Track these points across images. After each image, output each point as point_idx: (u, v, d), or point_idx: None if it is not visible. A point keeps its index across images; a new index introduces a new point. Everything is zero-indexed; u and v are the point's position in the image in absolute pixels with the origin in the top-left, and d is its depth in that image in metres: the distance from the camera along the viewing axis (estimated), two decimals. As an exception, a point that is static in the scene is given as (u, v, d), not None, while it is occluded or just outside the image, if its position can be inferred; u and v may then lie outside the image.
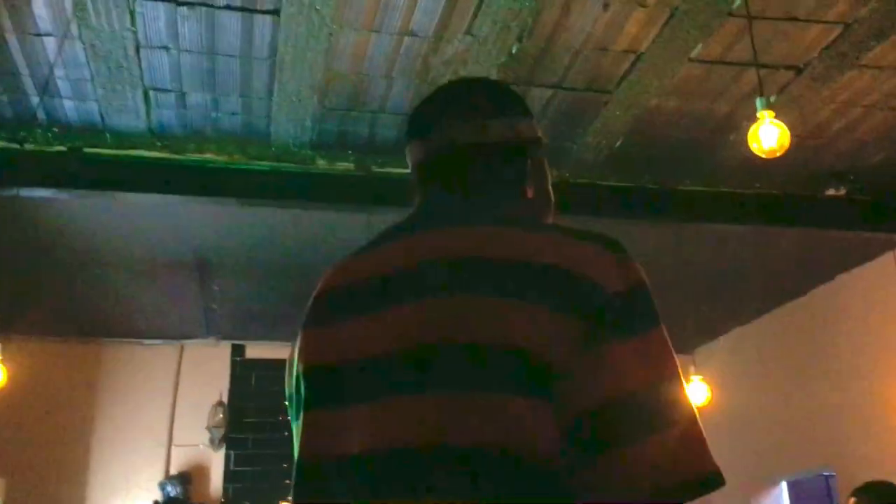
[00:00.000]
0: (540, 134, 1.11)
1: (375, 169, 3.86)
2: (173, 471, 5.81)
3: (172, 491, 5.55)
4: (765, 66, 3.10)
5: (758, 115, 2.62)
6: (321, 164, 3.82)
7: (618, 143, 3.75)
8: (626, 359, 0.82)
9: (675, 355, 0.87)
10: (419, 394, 0.85)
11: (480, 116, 1.07)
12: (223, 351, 6.22)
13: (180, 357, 6.13)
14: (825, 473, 6.34)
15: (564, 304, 0.84)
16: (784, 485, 6.23)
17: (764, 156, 2.62)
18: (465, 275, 0.89)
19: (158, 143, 3.64)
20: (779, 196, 4.18)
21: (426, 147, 1.11)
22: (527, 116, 1.11)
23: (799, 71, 3.22)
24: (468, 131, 1.06)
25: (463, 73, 3.20)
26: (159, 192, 3.76)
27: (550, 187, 1.14)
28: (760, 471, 6.03)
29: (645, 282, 0.91)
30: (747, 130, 3.27)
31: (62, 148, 3.58)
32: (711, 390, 4.44)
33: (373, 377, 0.90)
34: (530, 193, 1.09)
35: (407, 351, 0.88)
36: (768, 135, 2.57)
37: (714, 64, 3.19)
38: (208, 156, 3.73)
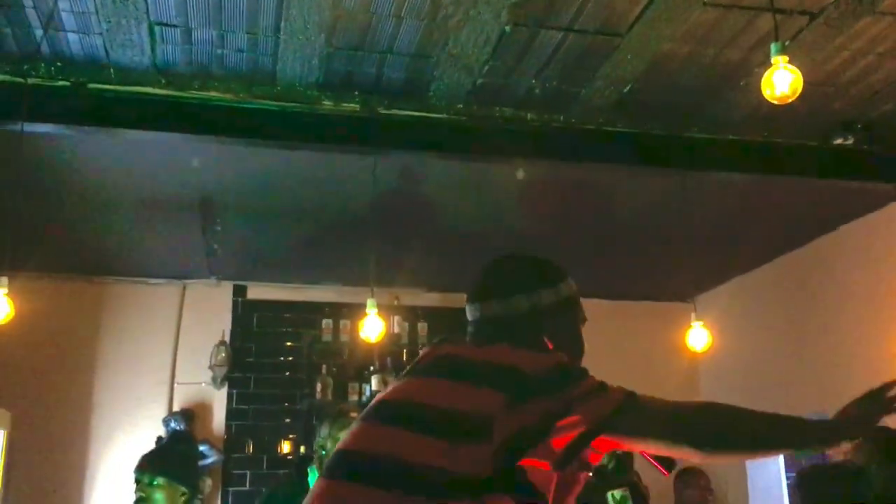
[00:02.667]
0: (563, 297, 1.64)
1: (382, 111, 3.83)
2: (176, 407, 5.88)
3: (176, 427, 5.63)
4: (780, 11, 3.05)
5: (772, 60, 2.60)
6: (327, 104, 3.79)
7: (626, 89, 3.72)
8: None
9: None
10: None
11: (503, 295, 1.60)
12: (225, 291, 6.25)
13: (182, 297, 6.16)
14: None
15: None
16: (777, 430, 6.34)
17: (776, 102, 2.60)
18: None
19: (163, 80, 3.60)
20: (786, 145, 4.17)
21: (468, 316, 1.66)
22: (549, 285, 1.63)
23: (813, 17, 3.18)
24: (493, 307, 1.61)
25: (473, 13, 3.16)
26: (163, 129, 3.75)
27: (576, 335, 1.65)
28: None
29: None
30: (758, 78, 3.25)
31: (66, 83, 3.54)
32: (712, 337, 4.49)
33: None
34: (549, 345, 1.54)
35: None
36: (782, 80, 2.54)
37: (728, 8, 3.15)
38: (213, 94, 3.70)
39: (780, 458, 6.33)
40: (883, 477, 2.67)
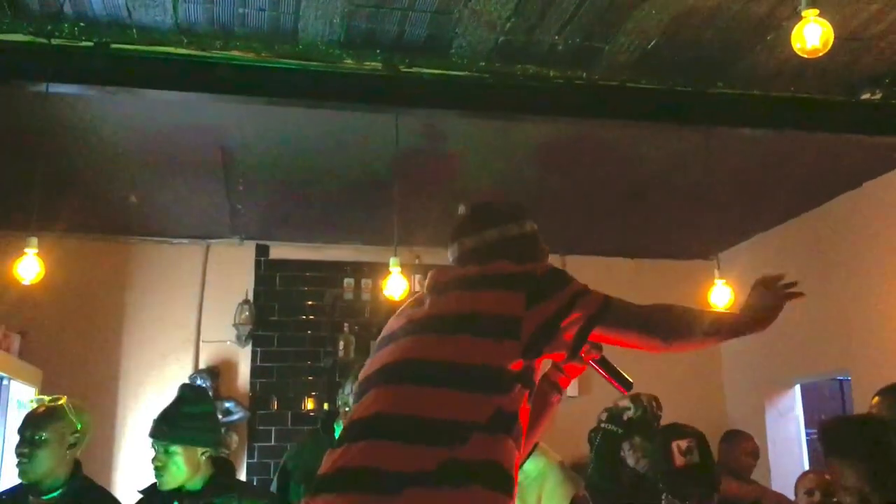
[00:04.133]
0: (527, 231, 1.88)
1: (403, 69, 3.81)
2: (202, 365, 5.99)
3: (202, 384, 5.73)
4: (809, -38, 3.00)
5: (802, 13, 2.56)
6: (349, 63, 3.77)
7: (651, 45, 3.68)
8: None
9: None
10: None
11: (476, 231, 1.87)
12: (248, 251, 6.30)
13: (206, 256, 6.22)
14: (840, 377, 6.45)
15: None
16: (798, 387, 6.35)
17: (806, 55, 2.57)
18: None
19: (185, 40, 3.60)
20: (812, 100, 4.11)
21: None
22: (513, 220, 1.88)
23: (843, -32, 3.12)
24: (467, 242, 1.88)
25: (496, -32, 3.12)
26: (185, 89, 3.75)
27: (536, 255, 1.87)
28: (776, 373, 6.14)
29: None
30: (785, 32, 3.20)
31: (89, 43, 3.55)
32: (734, 293, 4.48)
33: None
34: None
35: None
36: (812, 34, 2.51)
37: (756, -40, 3.09)
38: (235, 53, 3.69)
39: (800, 415, 6.36)
40: None
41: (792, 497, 3.91)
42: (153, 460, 2.69)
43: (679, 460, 2.60)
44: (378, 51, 3.72)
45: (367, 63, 3.78)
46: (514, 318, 1.58)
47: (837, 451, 2.30)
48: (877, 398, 2.83)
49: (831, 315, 5.47)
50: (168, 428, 2.70)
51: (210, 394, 5.63)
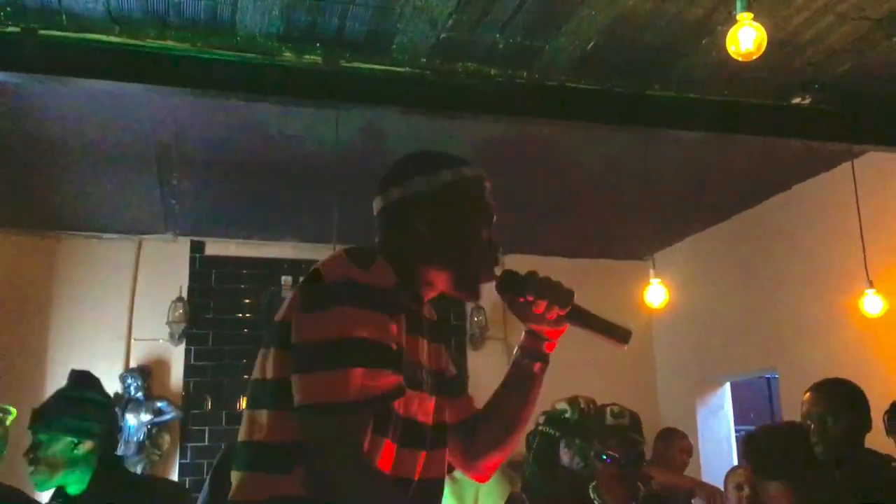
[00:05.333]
0: (443, 183, 1.48)
1: (344, 64, 3.77)
2: (133, 364, 5.84)
3: (133, 383, 5.59)
4: (743, -32, 3.07)
5: (737, 16, 2.61)
6: (288, 56, 3.71)
7: (590, 45, 3.71)
8: None
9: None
10: None
11: (381, 189, 1.53)
12: (182, 247, 6.18)
13: (138, 252, 6.08)
14: (768, 376, 6.64)
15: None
16: (728, 385, 6.51)
17: (740, 58, 2.62)
18: None
19: (117, 28, 3.49)
20: (745, 103, 4.21)
21: None
22: (424, 173, 1.49)
23: (776, -25, 3.20)
24: (375, 203, 1.55)
25: (438, -36, 3.12)
26: (117, 79, 3.64)
27: (464, 226, 1.49)
28: (707, 371, 6.28)
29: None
30: (720, 36, 3.27)
31: (16, 29, 3.42)
32: (669, 293, 4.57)
33: None
34: (425, 240, 1.47)
35: None
36: (746, 37, 2.56)
37: (693, -35, 3.14)
38: (170, 43, 3.60)
39: (730, 412, 6.52)
40: (840, 428, 2.75)
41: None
42: (24, 455, 2.39)
43: (609, 420, 2.75)
44: (318, 45, 3.67)
45: (307, 57, 3.73)
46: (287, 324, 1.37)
47: (762, 469, 2.39)
48: (808, 394, 2.91)
49: (761, 315, 5.62)
50: (39, 415, 2.40)
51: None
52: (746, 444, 2.57)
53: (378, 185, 1.54)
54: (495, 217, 1.53)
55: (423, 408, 1.43)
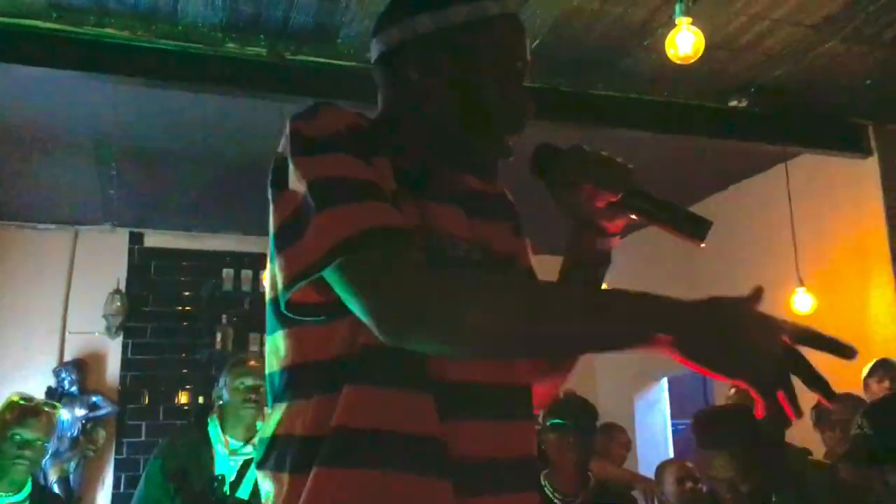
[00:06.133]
0: (458, 21, 1.10)
1: (289, 56, 3.74)
2: (68, 357, 5.70)
3: (67, 378, 5.46)
4: (685, -28, 3.14)
5: (676, 20, 2.67)
6: (231, 47, 3.67)
7: (535, 43, 3.75)
8: None
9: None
10: None
11: (378, 29, 1.20)
12: (120, 238, 6.05)
13: (74, 243, 5.93)
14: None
15: None
16: (664, 380, 6.65)
17: (678, 62, 2.68)
18: None
19: (55, 14, 3.40)
20: (685, 104, 4.31)
21: None
22: (430, 6, 1.12)
23: (716, -20, 3.28)
24: (371, 48, 1.22)
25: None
26: (55, 66, 3.55)
27: (478, 81, 1.11)
28: (645, 366, 6.40)
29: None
30: (662, 38, 3.33)
31: (-53, 13, 3.31)
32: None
33: None
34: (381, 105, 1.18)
35: None
36: (685, 41, 2.62)
37: (636, -33, 3.20)
38: (109, 30, 3.52)
39: (667, 407, 6.66)
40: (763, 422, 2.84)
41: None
42: None
43: (562, 394, 2.87)
44: (262, 36, 3.64)
45: (251, 48, 3.69)
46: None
47: (709, 442, 2.42)
48: (733, 389, 3.00)
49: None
50: None
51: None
52: (694, 422, 2.61)
53: (373, 25, 1.22)
54: (525, 74, 1.15)
55: None
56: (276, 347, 1.08)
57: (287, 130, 1.06)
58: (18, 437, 2.59)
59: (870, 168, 4.58)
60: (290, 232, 1.00)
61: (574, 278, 1.19)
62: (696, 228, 1.08)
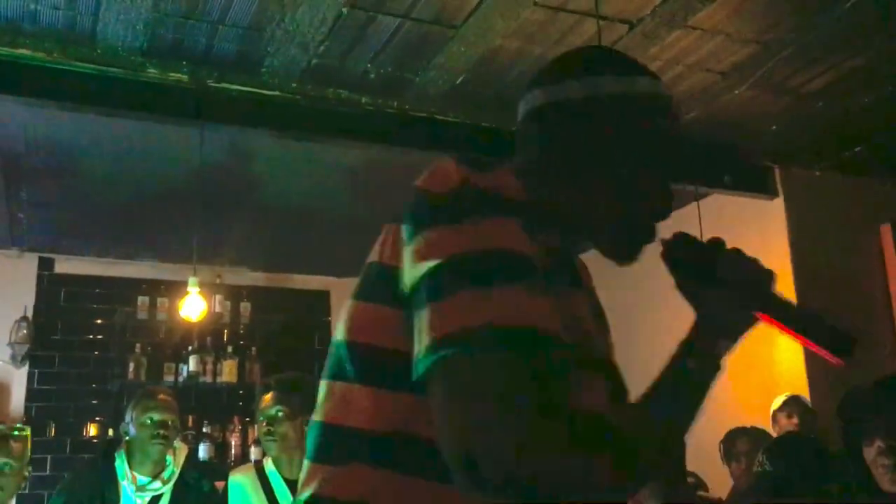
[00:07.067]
0: (621, 94, 1.04)
1: (211, 83, 3.70)
2: (-31, 387, 5.45)
3: (-33, 409, 5.21)
4: (603, 17, 3.25)
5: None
6: (152, 72, 3.61)
7: (459, 80, 3.81)
8: None
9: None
10: None
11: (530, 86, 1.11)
12: (29, 263, 5.83)
13: (-21, 267, 5.69)
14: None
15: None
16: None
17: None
18: None
19: (-34, 33, 3.30)
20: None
21: None
22: (551, 84, 1.07)
23: (632, 26, 3.40)
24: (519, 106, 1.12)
25: (310, -9, 3.13)
26: (-38, 86, 3.44)
27: (624, 171, 1.05)
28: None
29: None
30: (581, 78, 3.43)
31: None
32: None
33: None
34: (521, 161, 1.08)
35: None
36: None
37: (556, 10, 3.30)
38: (23, 51, 3.43)
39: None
40: None
41: None
42: None
43: None
44: (185, 62, 3.59)
45: (173, 74, 3.64)
46: (391, 269, 0.95)
47: None
48: None
49: (618, 348, 5.86)
50: None
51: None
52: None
53: (540, 75, 1.11)
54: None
55: (598, 392, 1.01)
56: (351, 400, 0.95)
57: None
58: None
59: (776, 209, 4.79)
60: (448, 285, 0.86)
61: (677, 375, 1.08)
62: (841, 345, 0.97)
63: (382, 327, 0.92)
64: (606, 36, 3.41)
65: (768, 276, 1.02)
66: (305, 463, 0.98)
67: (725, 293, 1.02)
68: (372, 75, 3.75)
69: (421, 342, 0.83)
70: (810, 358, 4.44)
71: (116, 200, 4.95)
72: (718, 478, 3.78)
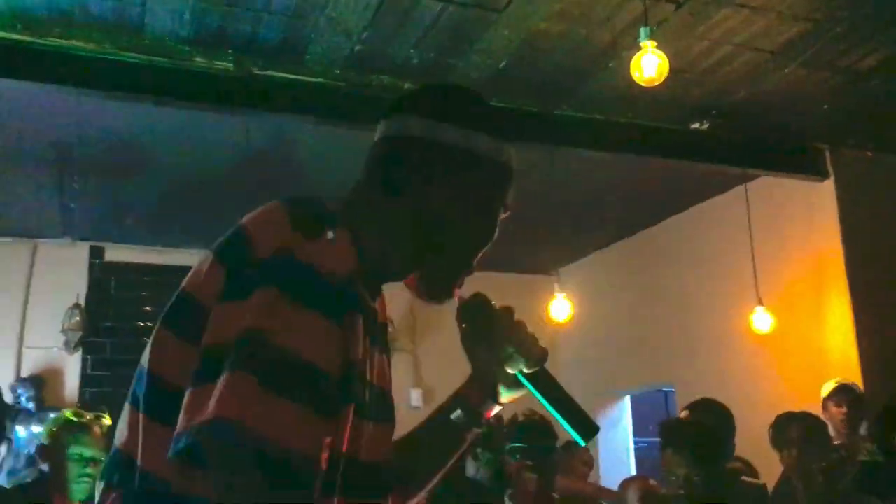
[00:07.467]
0: (472, 148, 1.07)
1: (256, 71, 3.74)
2: (25, 373, 5.59)
3: (24, 394, 5.35)
4: (649, -3, 3.21)
5: (641, 44, 2.72)
6: (198, 61, 3.66)
7: (502, 64, 3.79)
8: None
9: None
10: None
11: (392, 111, 1.13)
12: (80, 252, 5.96)
13: (33, 257, 5.83)
14: (664, 389, 6.88)
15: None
16: (627, 398, 6.71)
17: (643, 84, 2.73)
18: None
19: (19, 25, 3.37)
20: (648, 126, 4.38)
21: None
22: (431, 118, 1.08)
23: (679, 5, 3.35)
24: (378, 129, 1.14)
25: (354, -23, 3.14)
26: (18, 77, 3.52)
27: (467, 216, 1.09)
28: (608, 385, 6.45)
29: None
30: (626, 60, 3.39)
31: None
32: (573, 308, 4.69)
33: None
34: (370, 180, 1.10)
35: None
36: (649, 64, 2.68)
37: (601, -9, 3.26)
38: (74, 42, 3.49)
39: (629, 425, 6.71)
40: None
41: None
42: None
43: (520, 419, 2.97)
44: (230, 51, 3.63)
45: (219, 63, 3.68)
46: (203, 309, 0.94)
47: (670, 443, 2.65)
48: (685, 412, 3.07)
49: (658, 330, 5.81)
50: None
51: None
52: (660, 428, 2.98)
53: (417, 101, 1.13)
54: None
55: (372, 443, 1.05)
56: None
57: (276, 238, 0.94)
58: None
59: (827, 190, 4.69)
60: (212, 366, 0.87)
61: (443, 425, 1.18)
62: (585, 429, 1.12)
63: (182, 365, 0.92)
64: (653, 15, 3.35)
65: (546, 351, 1.11)
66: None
67: (496, 356, 1.11)
68: (415, 61, 3.75)
69: (195, 412, 0.85)
70: (863, 342, 4.36)
71: (165, 189, 5.03)
72: (767, 464, 3.73)
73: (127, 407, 1.02)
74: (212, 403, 0.83)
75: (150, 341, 1.03)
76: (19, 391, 5.40)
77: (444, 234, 1.08)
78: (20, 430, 5.33)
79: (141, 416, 0.96)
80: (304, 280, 0.90)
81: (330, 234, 0.95)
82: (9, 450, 5.27)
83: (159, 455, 0.89)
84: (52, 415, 5.44)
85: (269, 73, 3.75)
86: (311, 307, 0.89)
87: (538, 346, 1.11)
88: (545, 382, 1.12)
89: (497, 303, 1.15)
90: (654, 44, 2.75)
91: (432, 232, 1.07)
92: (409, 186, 1.06)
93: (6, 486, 5.04)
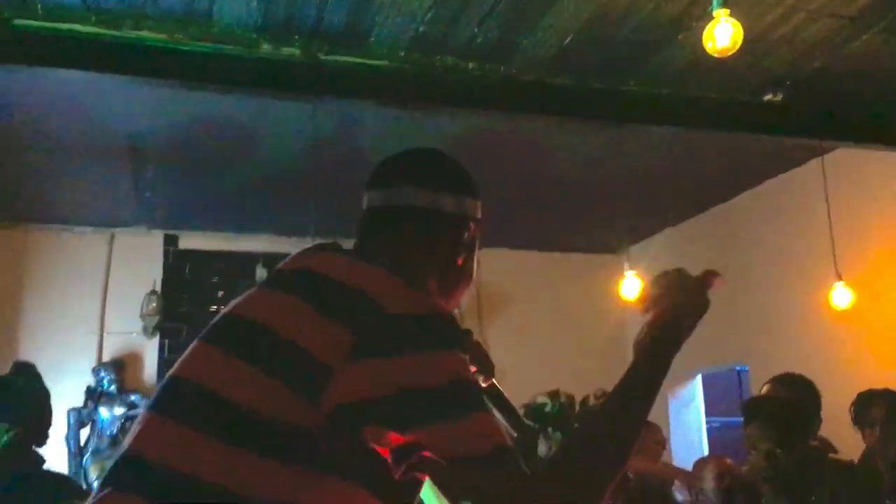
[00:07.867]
0: (464, 211, 1.34)
1: (322, 57, 3.76)
2: (106, 358, 5.79)
3: (106, 377, 5.54)
4: (720, -36, 3.11)
5: (713, 12, 2.65)
6: (266, 48, 3.70)
7: (567, 41, 3.74)
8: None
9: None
10: None
11: (394, 183, 1.33)
12: (155, 240, 6.13)
13: (111, 245, 6.02)
14: (738, 368, 6.74)
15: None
16: (699, 377, 6.60)
17: (717, 55, 2.66)
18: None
19: (93, 18, 3.45)
20: (718, 99, 4.26)
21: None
22: (452, 192, 1.33)
23: (751, -27, 3.25)
24: (378, 197, 1.33)
25: (417, -43, 3.13)
26: (93, 69, 3.60)
27: (461, 262, 1.36)
28: (679, 364, 6.33)
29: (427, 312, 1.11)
30: (696, 32, 3.31)
31: (-11, 18, 3.37)
32: (644, 286, 4.64)
33: None
34: (407, 258, 1.26)
35: None
36: (723, 33, 2.61)
37: (669, -39, 3.18)
38: (146, 33, 3.57)
39: (701, 404, 6.61)
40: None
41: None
42: None
43: (592, 402, 2.97)
44: (296, 37, 3.66)
45: (285, 49, 3.71)
46: (324, 366, 1.01)
47: (754, 417, 2.66)
48: (767, 386, 2.99)
49: (732, 308, 5.69)
50: None
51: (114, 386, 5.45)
52: (742, 405, 2.92)
53: (411, 172, 1.35)
54: None
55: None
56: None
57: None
58: None
59: (908, 161, 4.51)
60: (442, 406, 1.03)
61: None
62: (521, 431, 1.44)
63: (284, 404, 1.02)
64: (723, -15, 3.26)
65: (492, 366, 1.47)
66: None
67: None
68: (479, 40, 3.72)
69: (470, 443, 1.02)
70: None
71: (234, 177, 5.13)
72: (848, 442, 3.63)
73: (157, 417, 1.10)
74: (485, 435, 1.03)
75: (199, 359, 1.15)
76: (101, 374, 5.60)
77: (456, 269, 1.36)
78: (103, 412, 5.53)
79: (195, 434, 1.03)
80: (442, 326, 1.09)
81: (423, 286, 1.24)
82: (93, 430, 5.47)
83: (229, 471, 0.99)
84: (132, 397, 5.65)
85: (334, 57, 3.77)
86: (454, 346, 1.09)
87: (491, 363, 1.47)
88: (495, 393, 1.46)
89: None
90: (728, 12, 2.67)
91: (452, 279, 1.35)
92: (442, 248, 1.32)
93: (89, 466, 5.25)
